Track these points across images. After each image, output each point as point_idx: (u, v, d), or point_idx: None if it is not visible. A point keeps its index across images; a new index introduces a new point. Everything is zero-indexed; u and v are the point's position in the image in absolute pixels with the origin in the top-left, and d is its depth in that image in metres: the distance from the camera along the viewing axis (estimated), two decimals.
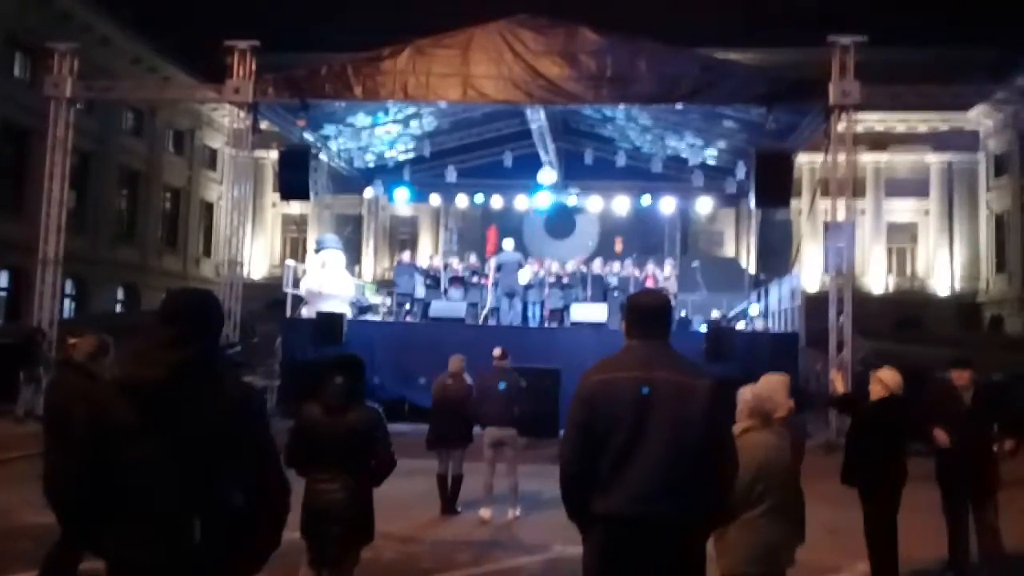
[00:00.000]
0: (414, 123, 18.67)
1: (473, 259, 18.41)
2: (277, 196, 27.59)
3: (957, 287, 32.08)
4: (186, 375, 2.38)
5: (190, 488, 2.32)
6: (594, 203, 21.28)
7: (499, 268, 16.96)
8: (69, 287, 25.94)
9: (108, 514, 2.34)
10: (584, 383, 2.97)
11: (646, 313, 3.09)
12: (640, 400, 2.86)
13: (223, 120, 31.71)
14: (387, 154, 20.18)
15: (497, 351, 8.33)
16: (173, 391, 2.35)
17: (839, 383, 6.67)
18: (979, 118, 30.92)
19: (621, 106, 15.66)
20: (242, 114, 15.43)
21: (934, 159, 32.41)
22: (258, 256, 33.48)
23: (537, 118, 17.21)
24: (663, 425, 2.85)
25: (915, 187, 32.42)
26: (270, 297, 22.66)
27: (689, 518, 2.84)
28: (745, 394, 3.93)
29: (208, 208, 35.07)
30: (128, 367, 2.47)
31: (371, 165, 20.41)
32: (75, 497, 2.38)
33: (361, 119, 17.55)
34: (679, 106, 14.86)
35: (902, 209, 32.71)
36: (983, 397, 6.24)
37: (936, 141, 31.94)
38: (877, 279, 32.16)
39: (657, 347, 3.01)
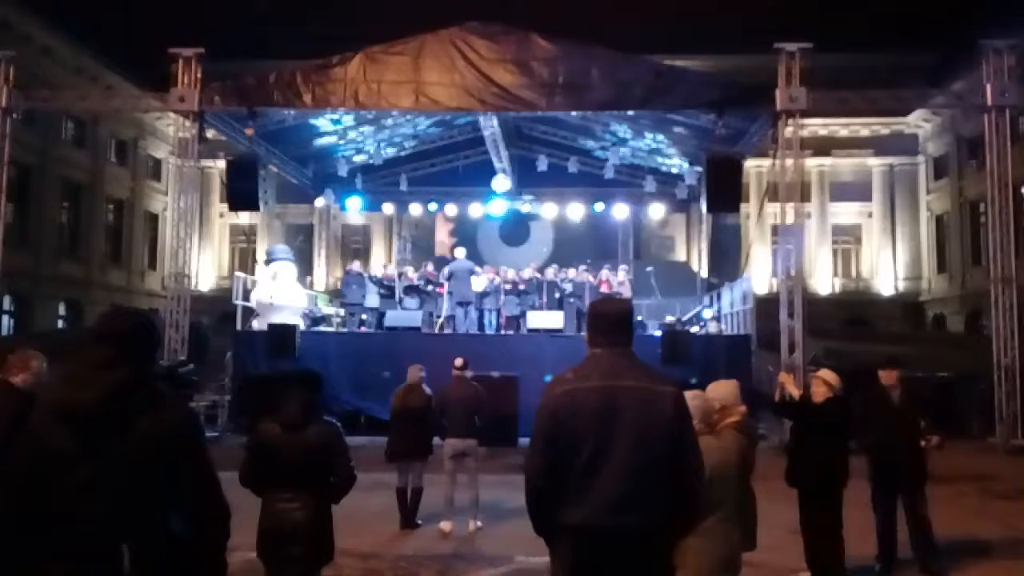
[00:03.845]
0: (363, 130, 18.50)
1: (430, 267, 18.25)
2: (225, 206, 27.12)
3: (900, 287, 32.92)
4: (121, 397, 2.29)
5: (123, 514, 2.24)
6: (548, 210, 21.37)
7: (450, 277, 16.84)
8: (8, 303, 25.15)
9: (38, 544, 2.23)
10: (549, 395, 2.91)
11: (609, 321, 3.05)
12: (607, 410, 2.82)
13: (168, 129, 31.01)
14: (338, 162, 19.93)
15: (458, 361, 8.22)
16: (108, 414, 2.26)
17: (791, 386, 6.58)
18: (918, 122, 31.81)
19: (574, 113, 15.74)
20: (187, 123, 15.10)
21: (876, 163, 33.24)
22: (206, 268, 32.79)
23: (490, 125, 17.20)
24: (630, 434, 2.80)
25: (858, 190, 33.18)
26: (219, 310, 22.20)
27: (657, 528, 2.81)
28: (691, 400, 3.87)
29: (153, 220, 34.23)
30: (61, 390, 2.36)
31: (321, 174, 20.14)
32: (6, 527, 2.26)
33: (312, 127, 17.31)
34: (631, 112, 14.98)
35: (846, 212, 33.45)
36: (909, 395, 6.51)
37: (878, 145, 32.76)
38: (824, 280, 32.84)
39: (621, 355, 2.97)
